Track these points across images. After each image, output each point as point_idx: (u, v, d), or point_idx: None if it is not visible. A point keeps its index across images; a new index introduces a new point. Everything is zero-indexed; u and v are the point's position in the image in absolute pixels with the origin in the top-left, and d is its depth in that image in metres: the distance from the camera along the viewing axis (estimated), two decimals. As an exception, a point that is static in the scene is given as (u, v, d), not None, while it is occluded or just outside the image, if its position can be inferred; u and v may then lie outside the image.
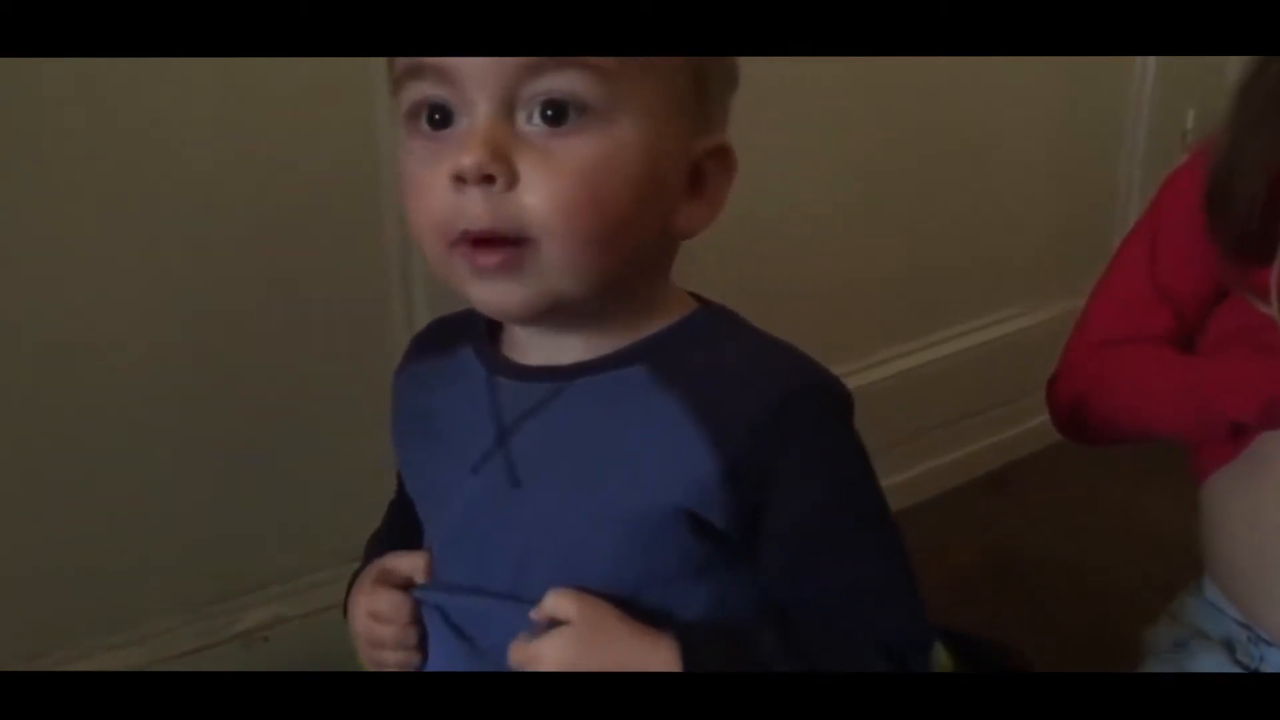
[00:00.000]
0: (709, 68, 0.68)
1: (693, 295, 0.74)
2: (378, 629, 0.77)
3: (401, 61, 0.65)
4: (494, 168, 0.62)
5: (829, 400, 0.69)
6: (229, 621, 1.25)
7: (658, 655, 0.66)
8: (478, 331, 0.76)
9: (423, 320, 1.24)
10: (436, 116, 0.65)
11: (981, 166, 1.81)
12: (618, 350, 0.70)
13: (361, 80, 1.16)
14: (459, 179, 0.63)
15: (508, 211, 0.63)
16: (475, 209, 0.63)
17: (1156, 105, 2.00)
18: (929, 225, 1.76)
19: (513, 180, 0.63)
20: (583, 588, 0.68)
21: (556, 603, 0.68)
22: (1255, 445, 0.90)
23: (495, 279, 0.64)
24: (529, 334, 0.72)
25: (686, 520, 0.67)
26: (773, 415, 0.66)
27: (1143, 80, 1.98)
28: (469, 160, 0.62)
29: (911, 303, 1.77)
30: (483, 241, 0.64)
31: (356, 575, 0.81)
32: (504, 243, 0.63)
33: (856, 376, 1.59)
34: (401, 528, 0.82)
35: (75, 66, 1.02)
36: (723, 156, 0.70)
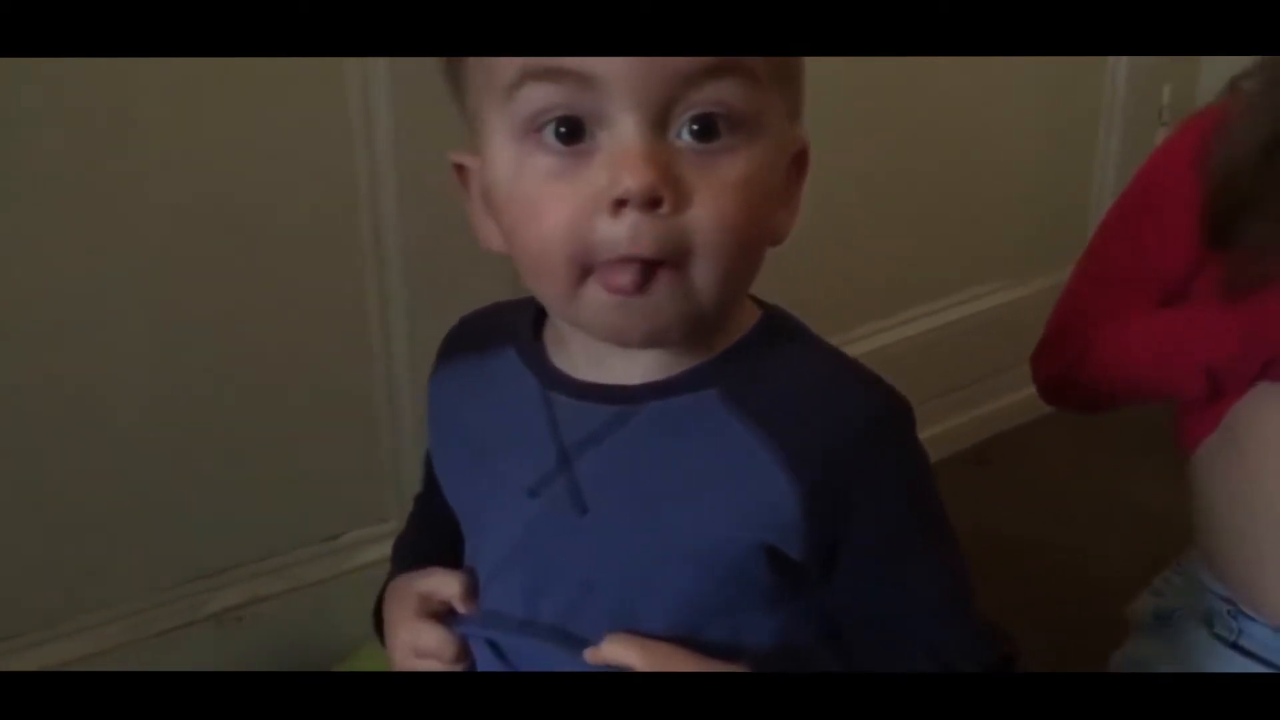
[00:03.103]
0: (804, 69, 0.65)
1: (749, 297, 0.70)
2: (420, 665, 0.73)
3: (521, 60, 0.58)
4: (664, 190, 0.57)
5: (902, 421, 0.66)
6: (202, 601, 1.24)
7: None
8: (520, 333, 0.70)
9: (398, 307, 1.25)
10: (563, 129, 0.58)
11: (960, 143, 1.81)
12: (688, 370, 0.65)
13: (339, 79, 1.16)
14: (619, 203, 0.57)
15: (673, 237, 0.58)
16: (641, 235, 0.57)
17: (1133, 83, 2.00)
18: (910, 203, 1.75)
19: (683, 203, 0.58)
20: (647, 619, 0.65)
21: (616, 649, 0.65)
22: (1235, 415, 0.91)
23: (643, 304, 0.60)
24: (596, 345, 0.65)
25: (765, 555, 0.63)
26: (852, 443, 0.63)
27: (1119, 58, 1.98)
28: (635, 183, 0.56)
29: (893, 278, 1.77)
30: (623, 262, 0.58)
31: (387, 583, 0.77)
32: (655, 266, 0.59)
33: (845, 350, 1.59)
34: (430, 528, 0.78)
35: (58, 67, 1.01)
36: (802, 157, 0.66)
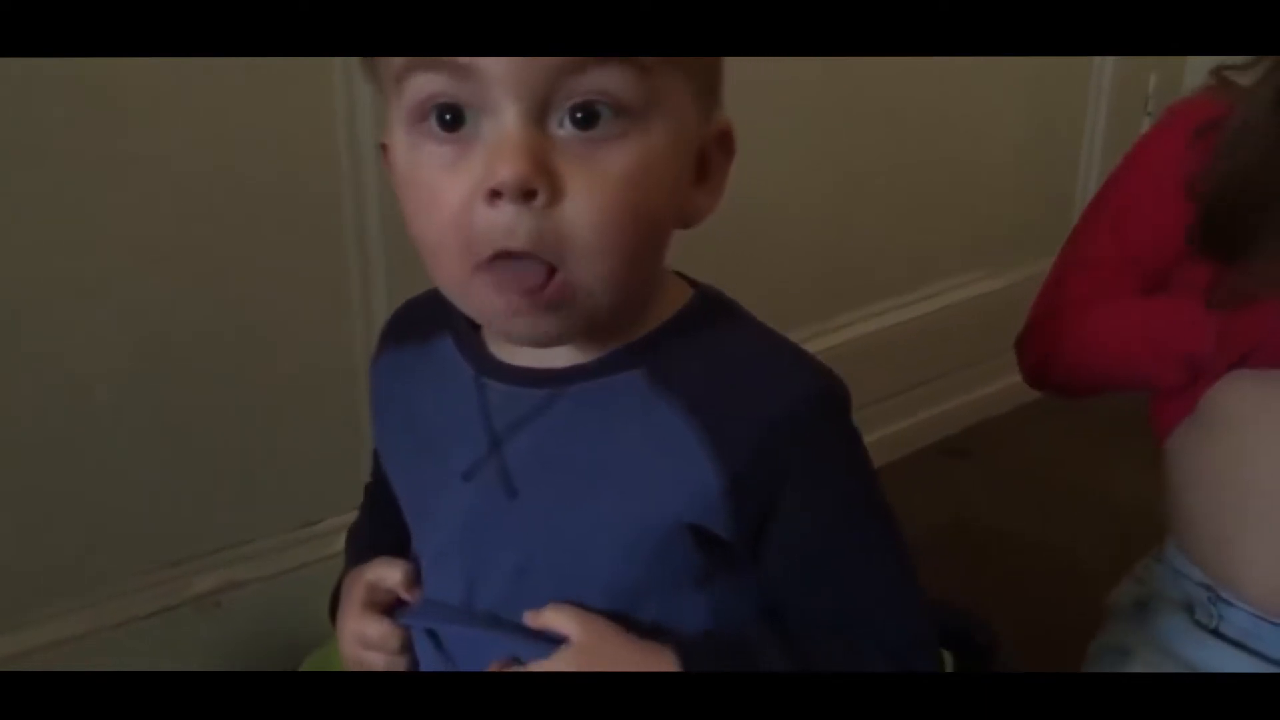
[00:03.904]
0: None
1: (680, 276, 0.71)
2: (366, 656, 0.74)
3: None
4: (537, 181, 0.57)
5: (833, 405, 0.66)
6: (181, 587, 1.23)
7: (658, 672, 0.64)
8: (456, 319, 0.71)
9: (379, 289, 1.25)
10: (448, 116, 0.59)
11: (944, 131, 1.80)
12: (614, 352, 0.66)
13: (325, 62, 1.15)
14: (494, 194, 0.57)
15: (548, 231, 0.58)
16: (516, 228, 0.58)
17: (1119, 72, 2.00)
18: (892, 191, 1.75)
19: (557, 195, 0.58)
20: (581, 600, 0.66)
21: (556, 617, 0.66)
22: (1210, 400, 0.91)
23: (528, 320, 0.61)
24: None
25: (690, 533, 0.64)
26: (779, 425, 0.63)
27: (1105, 46, 1.98)
28: (509, 173, 0.57)
29: (875, 267, 1.77)
30: (505, 257, 0.59)
31: (344, 574, 0.78)
32: (535, 262, 0.59)
33: (819, 340, 1.60)
34: (381, 517, 0.79)
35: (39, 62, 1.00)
36: (725, 140, 0.66)
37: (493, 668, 0.67)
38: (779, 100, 1.52)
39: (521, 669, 0.66)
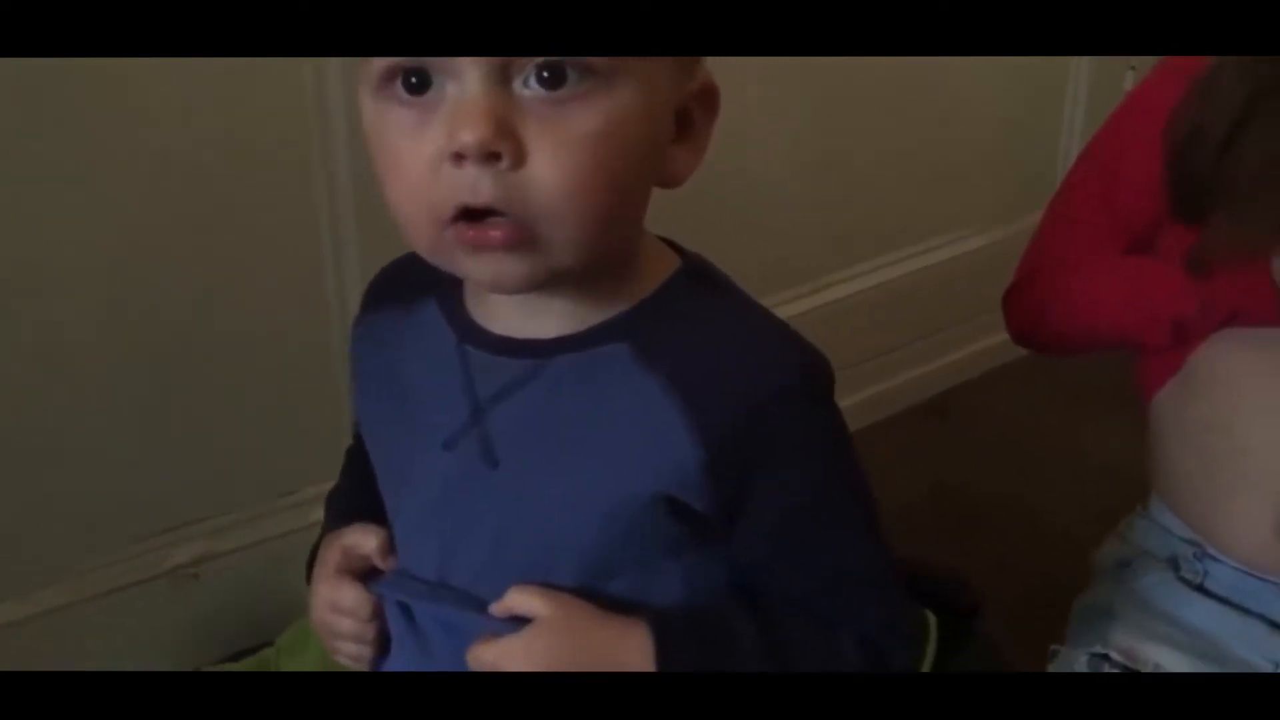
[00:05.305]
0: None
1: (666, 242, 0.70)
2: (337, 621, 0.74)
3: None
4: (500, 145, 0.56)
5: (815, 386, 0.66)
6: (157, 559, 1.23)
7: (630, 645, 0.65)
8: (441, 284, 0.70)
9: (352, 261, 1.25)
10: (414, 80, 0.58)
11: (922, 92, 1.79)
12: (599, 324, 0.66)
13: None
14: (458, 156, 0.57)
15: (513, 190, 0.58)
16: (479, 187, 0.57)
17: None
18: (868, 154, 1.74)
19: (520, 158, 0.57)
20: (555, 572, 0.66)
21: (521, 599, 0.66)
22: (1197, 357, 0.91)
23: (495, 254, 0.59)
24: (505, 299, 0.67)
25: (667, 505, 0.64)
26: (760, 405, 0.63)
27: None
28: (470, 137, 0.56)
29: (851, 228, 1.76)
30: (478, 214, 0.59)
31: (320, 539, 0.77)
32: (500, 218, 0.58)
33: (798, 303, 1.59)
34: (361, 481, 0.78)
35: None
36: (708, 96, 0.65)
37: (476, 645, 0.67)
38: (763, 65, 1.52)
39: (496, 644, 0.66)
